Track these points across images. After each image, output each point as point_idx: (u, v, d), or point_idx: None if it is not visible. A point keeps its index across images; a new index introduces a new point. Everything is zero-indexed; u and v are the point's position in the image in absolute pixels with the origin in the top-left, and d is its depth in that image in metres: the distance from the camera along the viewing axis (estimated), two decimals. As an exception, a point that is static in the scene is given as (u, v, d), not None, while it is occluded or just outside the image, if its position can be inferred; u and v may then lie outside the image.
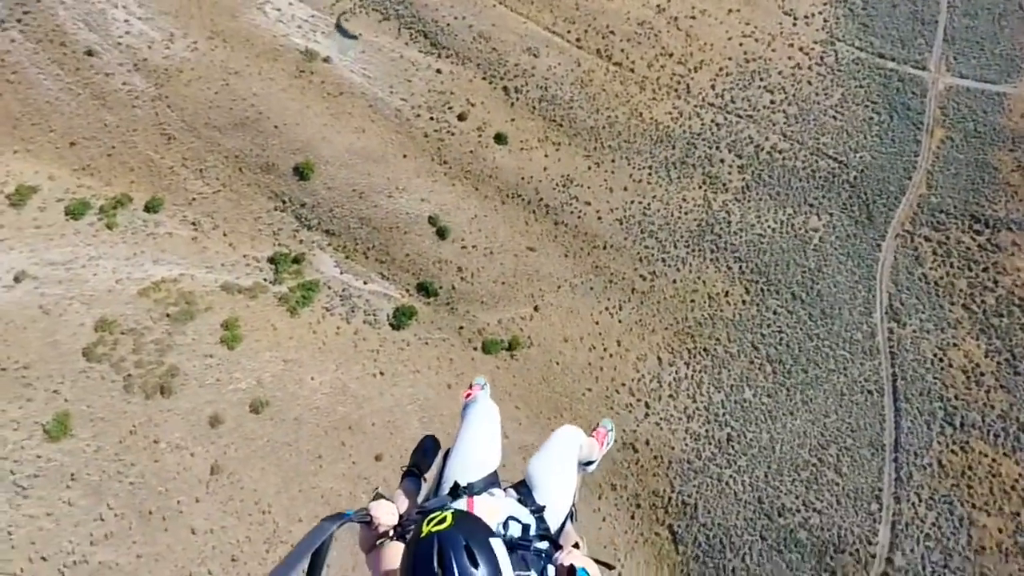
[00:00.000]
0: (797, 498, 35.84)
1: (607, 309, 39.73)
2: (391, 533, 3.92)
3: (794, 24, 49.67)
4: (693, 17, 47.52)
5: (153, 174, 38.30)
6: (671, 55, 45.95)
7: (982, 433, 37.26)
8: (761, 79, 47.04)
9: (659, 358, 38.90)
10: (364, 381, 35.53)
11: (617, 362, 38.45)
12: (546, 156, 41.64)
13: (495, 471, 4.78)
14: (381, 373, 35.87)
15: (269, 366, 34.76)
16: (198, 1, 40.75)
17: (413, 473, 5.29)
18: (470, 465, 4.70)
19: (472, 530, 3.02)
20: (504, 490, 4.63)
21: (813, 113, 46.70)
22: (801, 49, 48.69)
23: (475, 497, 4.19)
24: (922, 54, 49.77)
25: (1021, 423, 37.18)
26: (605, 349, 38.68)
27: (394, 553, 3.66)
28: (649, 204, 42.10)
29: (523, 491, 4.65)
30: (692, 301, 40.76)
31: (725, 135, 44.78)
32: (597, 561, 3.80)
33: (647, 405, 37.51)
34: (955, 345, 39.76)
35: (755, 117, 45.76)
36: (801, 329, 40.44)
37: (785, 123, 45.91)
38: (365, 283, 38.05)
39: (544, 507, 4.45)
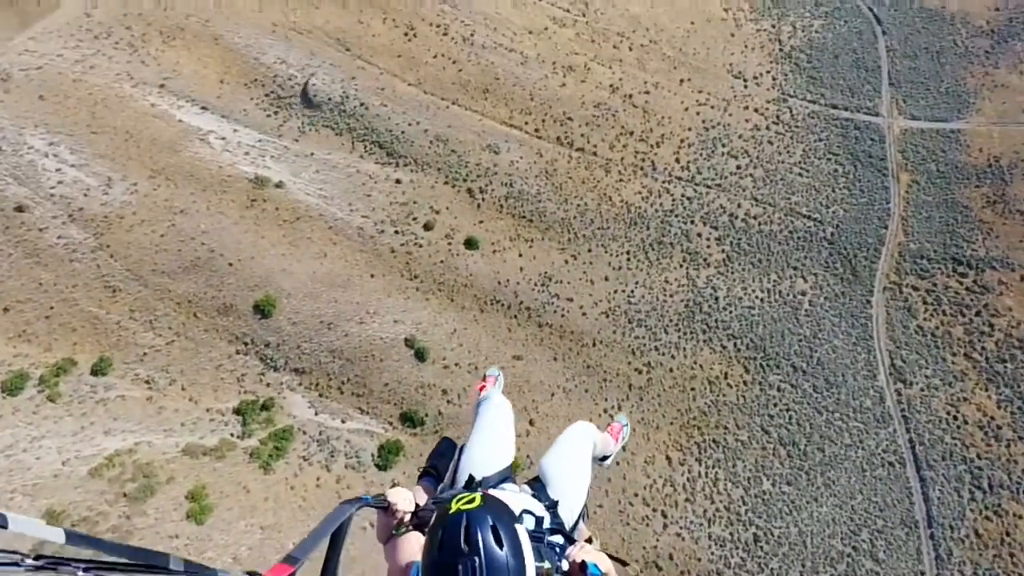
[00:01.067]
0: (839, 597, 33.11)
1: (606, 411, 37.28)
2: (407, 522, 3.90)
3: (745, 86, 50.01)
4: (647, 92, 47.35)
5: (98, 332, 35.05)
6: (632, 133, 45.38)
7: (1012, 493, 35.42)
8: (723, 145, 46.72)
9: (668, 458, 36.38)
10: (353, 536, 31.96)
11: (625, 469, 35.76)
12: (520, 255, 39.86)
13: (509, 466, 4.86)
14: (371, 524, 32.35)
15: (245, 537, 31.01)
16: (135, 139, 38.57)
17: (430, 473, 5.32)
18: (484, 460, 4.79)
19: (499, 512, 3.00)
20: (518, 486, 4.67)
21: (779, 173, 46.37)
22: (757, 110, 48.84)
23: (490, 491, 4.15)
24: (872, 100, 50.45)
25: (1050, 477, 35.52)
26: (610, 456, 36.00)
27: (410, 544, 3.70)
28: (633, 291, 40.44)
29: (537, 486, 4.71)
30: (692, 389, 38.67)
31: (697, 208, 43.88)
32: (611, 557, 3.82)
33: (664, 514, 34.72)
34: (966, 399, 38.34)
35: (724, 185, 45.14)
36: (808, 403, 38.57)
37: (754, 187, 45.36)
38: (343, 422, 34.94)
39: (557, 502, 4.48)
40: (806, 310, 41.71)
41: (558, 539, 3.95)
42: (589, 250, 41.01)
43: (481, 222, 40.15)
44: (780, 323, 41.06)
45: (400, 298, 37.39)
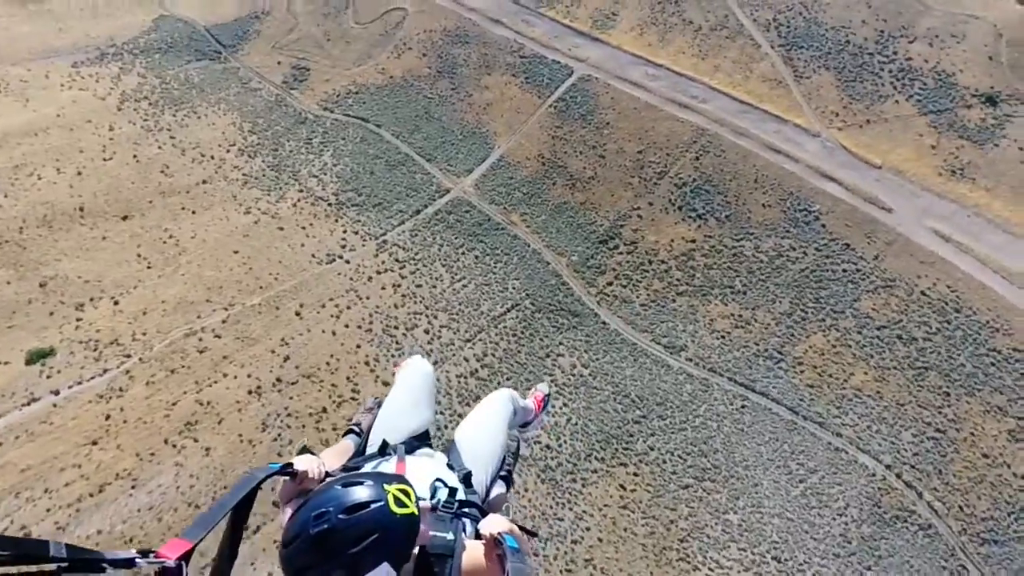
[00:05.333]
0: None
1: (617, 655, 31.12)
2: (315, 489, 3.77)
3: (347, 261, 44.97)
4: (285, 359, 37.67)
5: None
6: (325, 410, 35.79)
7: (792, 347, 43.90)
8: (386, 329, 41.39)
9: (685, 610, 33.01)
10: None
11: (684, 672, 31.00)
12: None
13: (426, 431, 4.91)
14: None
15: None
16: None
17: (353, 432, 5.14)
18: (399, 424, 4.76)
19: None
20: (433, 451, 4.64)
21: (452, 302, 44.07)
22: (379, 272, 44.69)
23: (405, 458, 4.13)
24: (433, 184, 51.71)
25: (786, 312, 44.96)
26: None
27: None
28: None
29: (452, 455, 4.68)
30: (624, 529, 35.45)
31: (444, 393, 38.44)
32: (522, 528, 3.77)
33: (741, 657, 31.77)
34: (711, 320, 45.15)
35: (435, 357, 40.46)
36: (672, 434, 39.80)
37: (455, 334, 42.09)
38: None
39: (471, 472, 4.42)
40: (590, 373, 42.08)
41: (470, 510, 3.88)
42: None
43: None
44: (593, 405, 40.49)
45: None
